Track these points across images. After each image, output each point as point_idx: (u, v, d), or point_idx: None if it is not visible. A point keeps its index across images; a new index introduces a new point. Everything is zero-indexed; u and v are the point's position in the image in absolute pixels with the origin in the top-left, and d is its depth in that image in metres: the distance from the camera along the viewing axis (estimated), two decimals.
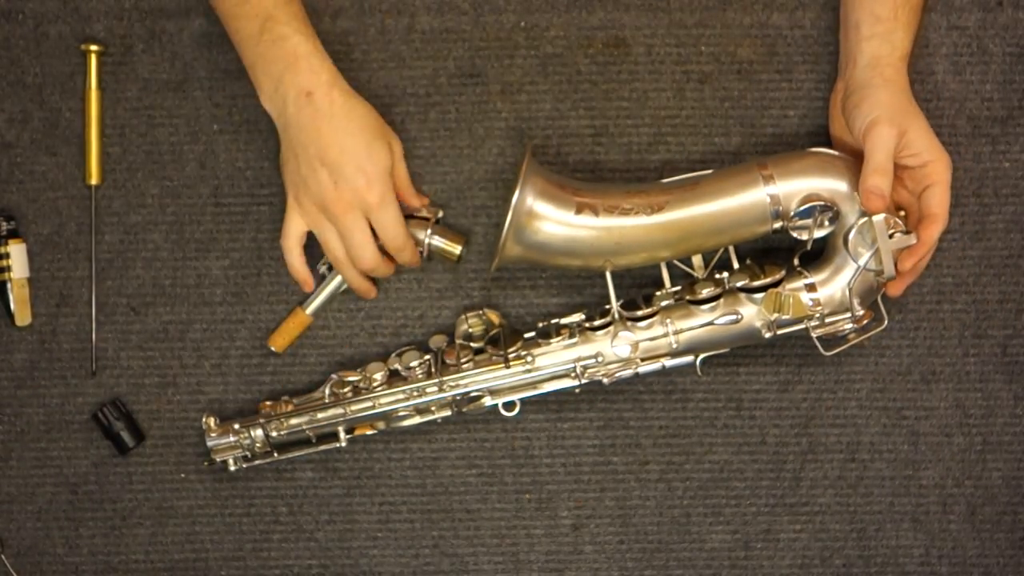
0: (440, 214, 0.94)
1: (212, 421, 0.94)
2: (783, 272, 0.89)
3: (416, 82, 0.95)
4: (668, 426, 0.98)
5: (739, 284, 0.89)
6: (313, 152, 0.86)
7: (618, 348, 0.90)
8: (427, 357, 0.93)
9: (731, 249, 0.91)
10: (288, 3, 0.86)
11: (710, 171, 0.90)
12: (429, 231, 0.92)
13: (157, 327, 0.97)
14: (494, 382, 0.91)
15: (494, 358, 0.91)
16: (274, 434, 0.93)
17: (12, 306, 0.96)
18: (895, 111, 0.85)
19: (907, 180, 0.87)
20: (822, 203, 0.86)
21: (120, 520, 0.99)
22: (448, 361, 0.92)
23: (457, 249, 0.93)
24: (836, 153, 0.89)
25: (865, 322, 0.90)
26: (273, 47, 0.86)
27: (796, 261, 0.91)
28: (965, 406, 0.98)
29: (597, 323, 0.90)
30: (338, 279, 0.95)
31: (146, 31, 0.95)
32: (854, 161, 0.89)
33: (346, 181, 0.86)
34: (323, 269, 0.95)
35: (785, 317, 0.89)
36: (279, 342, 0.96)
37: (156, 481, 0.99)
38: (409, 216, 0.92)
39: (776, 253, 0.94)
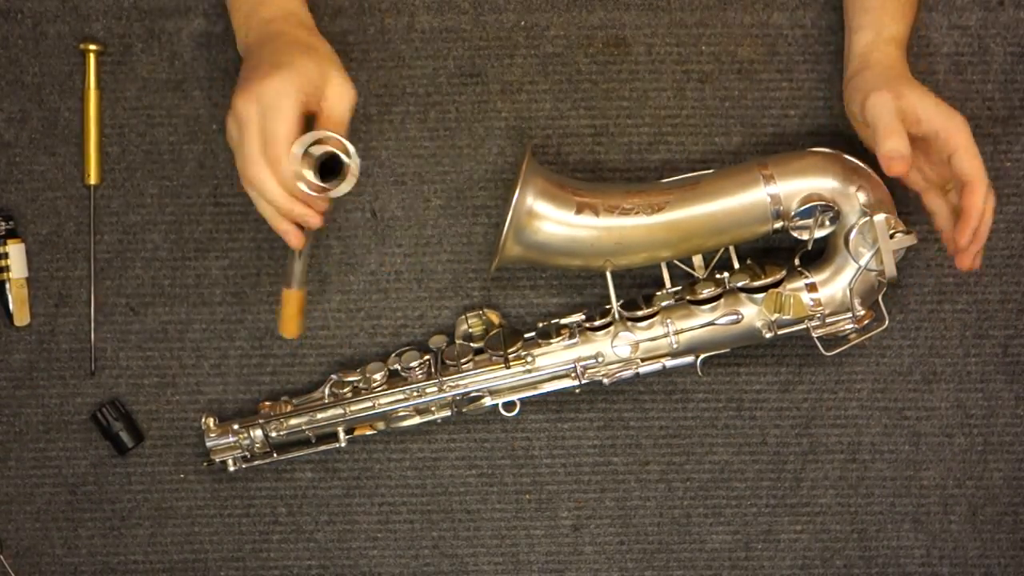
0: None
1: (211, 421, 0.94)
2: (784, 272, 0.89)
3: (416, 82, 0.95)
4: (668, 426, 0.98)
5: (740, 284, 0.89)
6: (251, 62, 0.80)
7: (618, 348, 0.90)
8: (427, 357, 0.93)
9: (731, 249, 0.91)
10: None
11: (710, 171, 0.90)
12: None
13: (156, 327, 0.97)
14: (494, 382, 0.91)
15: (494, 358, 0.91)
16: (273, 434, 0.93)
17: (11, 306, 0.95)
18: (885, 80, 0.84)
19: (932, 154, 0.86)
20: (823, 203, 0.86)
21: (119, 521, 0.99)
22: (448, 361, 0.91)
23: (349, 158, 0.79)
24: (837, 153, 0.89)
25: (866, 322, 0.90)
26: None
27: (797, 261, 0.91)
28: (966, 406, 0.98)
29: (597, 323, 0.90)
30: (308, 242, 0.85)
31: (145, 31, 0.95)
32: (855, 161, 0.89)
33: (248, 79, 0.77)
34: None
35: (786, 317, 0.89)
36: (290, 329, 0.88)
37: (155, 481, 0.98)
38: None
39: (777, 253, 0.94)
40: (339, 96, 0.79)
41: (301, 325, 0.89)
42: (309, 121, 0.80)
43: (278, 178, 0.77)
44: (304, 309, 0.89)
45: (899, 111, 0.82)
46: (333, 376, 0.94)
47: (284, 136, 0.76)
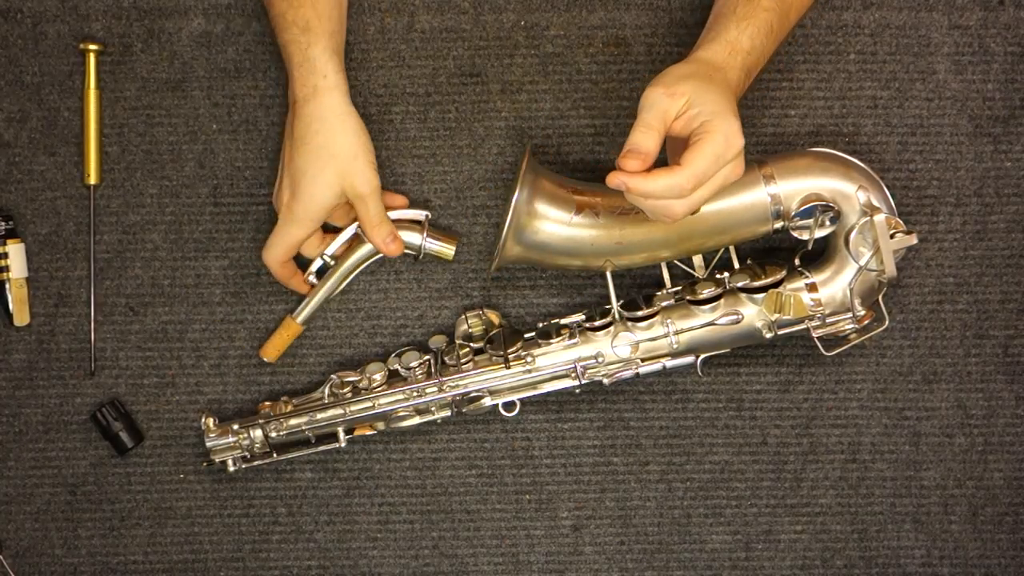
0: (427, 215, 0.94)
1: (211, 421, 0.93)
2: (784, 272, 0.89)
3: (416, 82, 0.95)
4: (669, 426, 0.98)
5: (740, 284, 0.89)
6: (287, 154, 0.88)
7: (618, 348, 0.90)
8: (427, 357, 0.92)
9: (732, 249, 0.91)
10: (298, 6, 0.86)
11: None
12: (424, 235, 0.92)
13: (156, 327, 0.97)
14: (494, 382, 0.91)
15: (494, 358, 0.91)
16: (273, 434, 0.93)
17: (10, 306, 0.95)
18: (680, 77, 0.78)
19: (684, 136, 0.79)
20: (823, 203, 0.86)
21: (119, 521, 0.99)
22: (448, 361, 0.91)
23: (451, 250, 0.93)
24: (837, 153, 0.89)
25: (866, 322, 0.90)
26: (283, 49, 0.88)
27: (797, 261, 0.91)
28: (967, 406, 0.98)
29: (597, 323, 0.90)
30: (328, 286, 0.94)
31: (145, 30, 0.95)
32: (855, 161, 0.89)
33: (282, 185, 0.89)
34: (311, 278, 0.94)
35: (786, 317, 0.89)
36: (271, 352, 0.96)
37: (155, 482, 0.98)
38: (400, 220, 0.93)
39: (777, 253, 0.94)
40: (364, 200, 0.88)
41: (281, 354, 0.97)
42: None
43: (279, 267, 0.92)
44: (293, 344, 0.96)
45: (681, 108, 0.77)
46: (333, 376, 0.94)
47: (280, 258, 0.91)
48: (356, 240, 0.93)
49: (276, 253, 0.90)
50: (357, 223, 0.92)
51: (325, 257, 0.94)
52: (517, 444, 0.98)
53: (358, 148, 0.87)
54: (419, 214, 0.94)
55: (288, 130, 0.88)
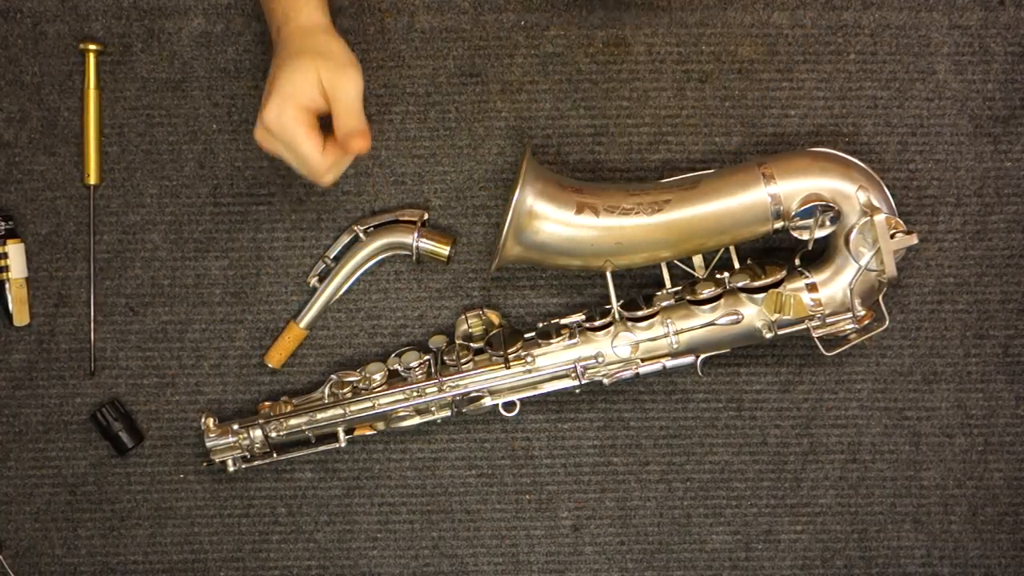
0: (425, 216, 0.94)
1: (211, 421, 0.93)
2: (784, 272, 0.89)
3: (416, 82, 0.95)
4: (669, 427, 0.98)
5: (740, 284, 0.89)
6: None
7: (618, 348, 0.90)
8: (427, 357, 0.92)
9: (732, 249, 0.91)
10: None
11: (711, 170, 0.90)
12: (416, 235, 0.93)
13: (156, 327, 0.97)
14: (494, 382, 0.91)
15: (494, 358, 0.91)
16: (273, 435, 0.93)
17: (10, 306, 0.95)
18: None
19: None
20: (823, 203, 0.86)
21: (119, 521, 0.99)
22: (448, 361, 0.91)
23: (445, 250, 0.93)
24: (837, 153, 0.89)
25: (866, 322, 0.90)
26: None
27: (797, 261, 0.91)
28: (967, 407, 0.98)
29: (597, 323, 0.90)
30: (330, 289, 0.95)
31: (145, 30, 0.95)
32: (855, 161, 0.89)
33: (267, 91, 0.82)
34: (313, 281, 0.95)
35: (786, 317, 0.89)
36: (276, 358, 0.96)
37: (155, 482, 0.98)
38: (395, 221, 0.93)
39: (777, 253, 0.94)
40: (344, 87, 0.80)
41: (286, 360, 0.97)
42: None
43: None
44: (296, 348, 0.96)
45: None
46: (333, 376, 0.94)
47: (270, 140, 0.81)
48: (358, 242, 0.94)
49: (285, 112, 0.80)
50: (353, 228, 0.92)
51: (327, 260, 0.94)
52: (517, 444, 0.98)
53: (345, 58, 0.81)
54: (416, 213, 0.94)
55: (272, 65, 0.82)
